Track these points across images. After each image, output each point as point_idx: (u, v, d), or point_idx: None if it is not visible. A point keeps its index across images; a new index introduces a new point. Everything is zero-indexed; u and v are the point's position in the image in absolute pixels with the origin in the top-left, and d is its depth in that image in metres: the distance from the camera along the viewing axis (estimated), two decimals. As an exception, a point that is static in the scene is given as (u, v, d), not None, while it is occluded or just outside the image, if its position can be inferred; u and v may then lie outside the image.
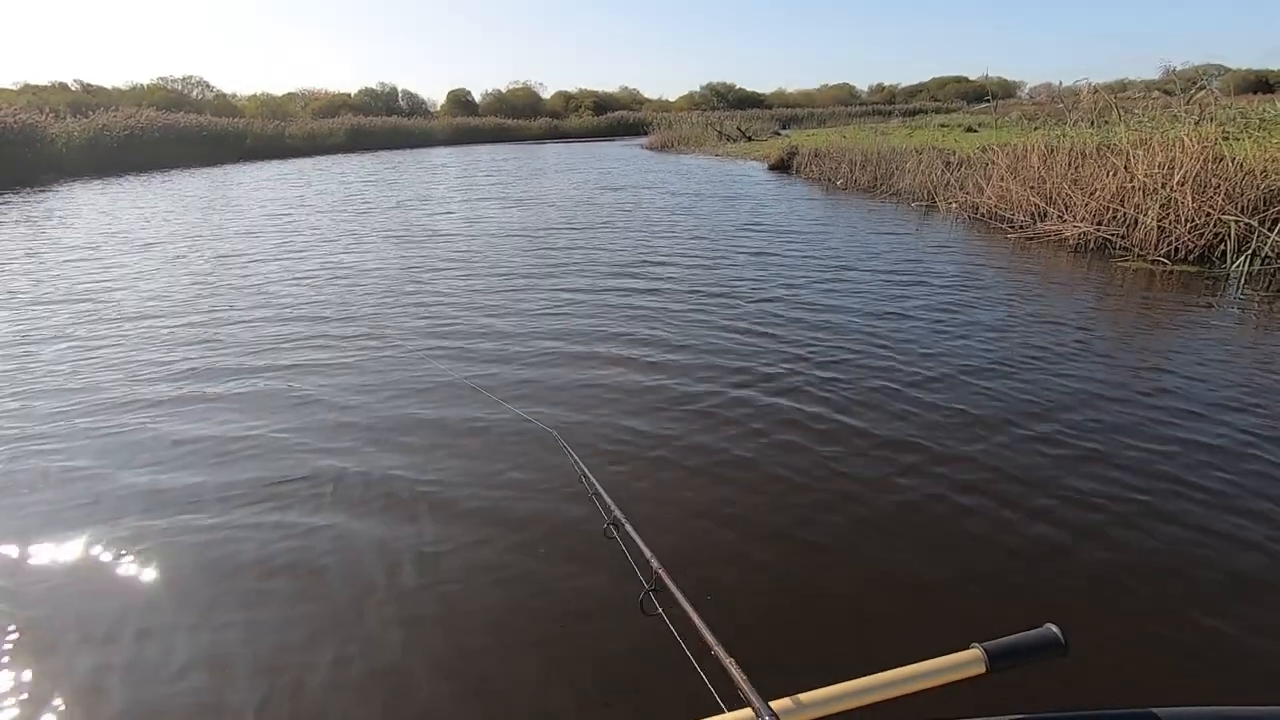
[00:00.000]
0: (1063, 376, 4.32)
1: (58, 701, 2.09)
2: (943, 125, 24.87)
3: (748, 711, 0.76)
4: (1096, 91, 10.96)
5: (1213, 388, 4.10)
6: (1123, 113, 8.60)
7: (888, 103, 66.37)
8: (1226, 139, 7.96)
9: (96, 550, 2.80)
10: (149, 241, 10.38)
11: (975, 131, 20.88)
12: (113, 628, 2.37)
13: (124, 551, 2.78)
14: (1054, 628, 0.87)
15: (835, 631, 2.32)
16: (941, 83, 78.56)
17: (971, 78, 75.65)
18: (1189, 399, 3.95)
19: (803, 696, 0.78)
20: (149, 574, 2.66)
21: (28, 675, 2.18)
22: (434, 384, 4.46)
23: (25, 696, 2.11)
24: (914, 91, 79.17)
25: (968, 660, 0.83)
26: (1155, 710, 0.79)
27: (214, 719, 2.03)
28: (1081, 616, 2.32)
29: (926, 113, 42.23)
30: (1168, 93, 9.08)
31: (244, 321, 5.97)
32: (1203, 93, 8.40)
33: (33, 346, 5.39)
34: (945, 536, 2.78)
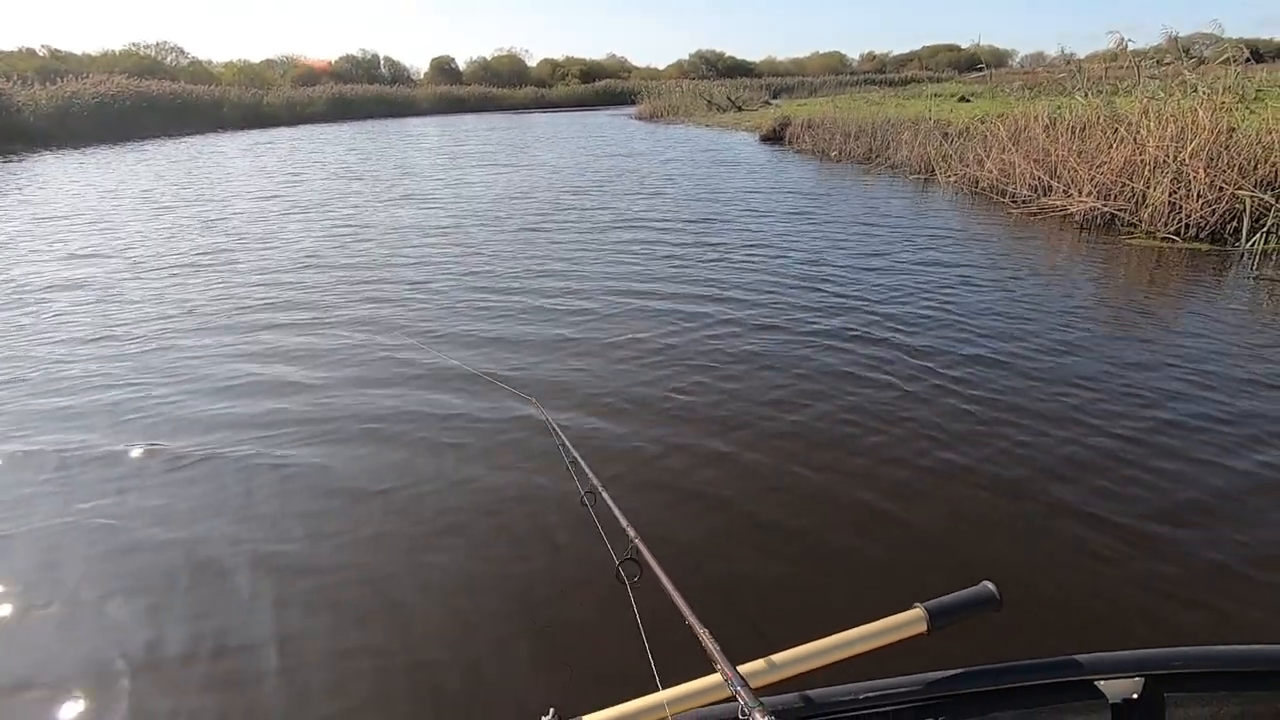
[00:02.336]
0: (1055, 353, 4.23)
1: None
2: (935, 95, 24.44)
3: (717, 677, 0.79)
4: (1106, 59, 10.58)
5: (1215, 368, 3.95)
6: (1139, 78, 8.24)
7: (879, 72, 65.50)
8: (1231, 110, 7.65)
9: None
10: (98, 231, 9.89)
11: (969, 101, 20.49)
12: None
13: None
14: (989, 584, 0.91)
15: (803, 594, 2.34)
16: (933, 51, 77.52)
17: (963, 46, 74.75)
18: (1190, 380, 3.81)
19: (775, 657, 0.83)
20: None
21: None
22: (413, 357, 4.37)
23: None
24: (905, 60, 78.11)
25: (911, 619, 0.87)
26: (1078, 656, 0.88)
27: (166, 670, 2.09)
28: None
29: (919, 82, 41.60)
30: (1160, 62, 8.70)
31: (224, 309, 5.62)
32: (1228, 58, 8.02)
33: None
34: (933, 493, 2.83)
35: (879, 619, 0.88)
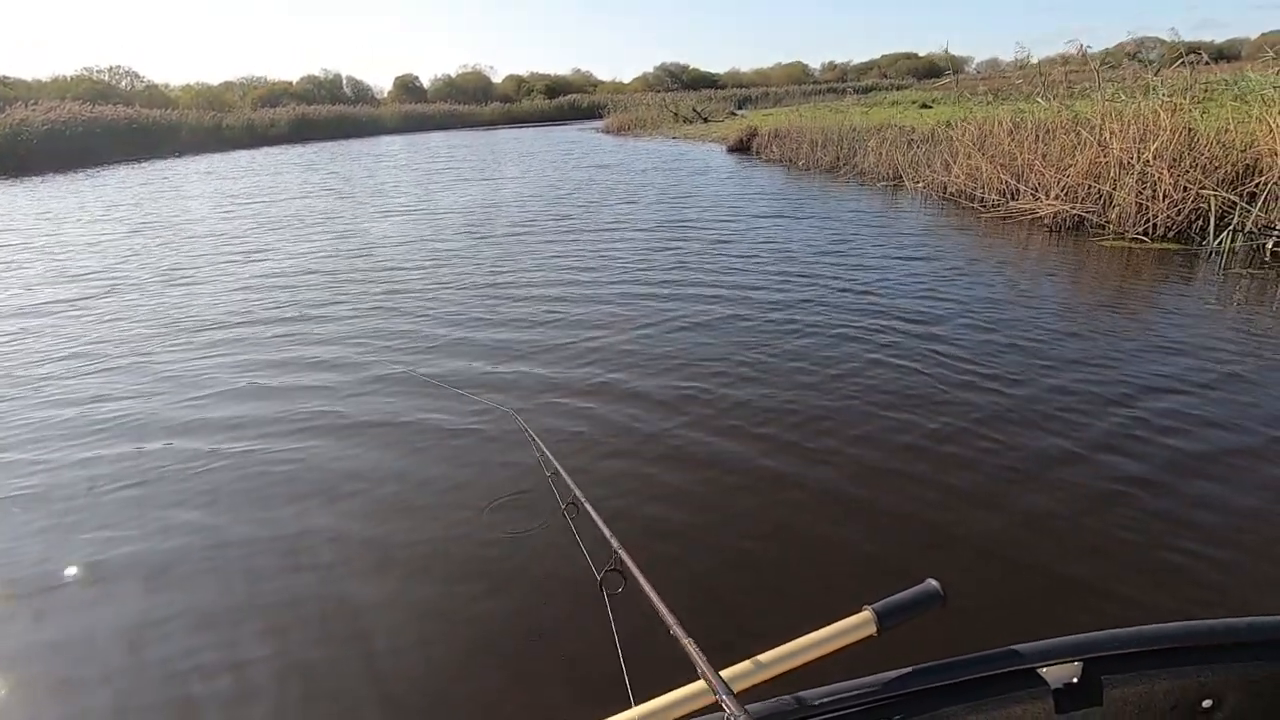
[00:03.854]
0: (1023, 351, 4.31)
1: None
2: (895, 102, 24.81)
3: (701, 684, 0.81)
4: (1063, 63, 10.76)
5: (1180, 364, 4.01)
6: (1099, 82, 8.36)
7: (840, 80, 66.46)
8: (1189, 111, 7.78)
9: None
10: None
11: (929, 108, 20.81)
12: None
13: None
14: (933, 581, 0.92)
15: (785, 600, 2.35)
16: (892, 59, 78.98)
17: (920, 53, 76.32)
18: (1156, 374, 3.89)
19: (757, 657, 0.87)
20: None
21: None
22: (390, 372, 4.37)
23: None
24: (865, 69, 79.48)
25: (860, 622, 0.89)
26: (1018, 647, 0.91)
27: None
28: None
29: (880, 89, 42.23)
30: (1113, 66, 8.86)
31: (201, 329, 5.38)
32: (1185, 62, 8.19)
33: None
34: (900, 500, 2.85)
35: (828, 624, 0.90)
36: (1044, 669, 0.94)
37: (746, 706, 0.81)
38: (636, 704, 0.83)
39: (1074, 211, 7.59)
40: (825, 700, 0.88)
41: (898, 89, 40.52)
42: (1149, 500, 2.74)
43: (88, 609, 2.43)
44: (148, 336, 5.39)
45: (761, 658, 0.88)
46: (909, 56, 77.88)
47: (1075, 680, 0.94)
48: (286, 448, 3.47)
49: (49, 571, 2.63)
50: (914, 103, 23.28)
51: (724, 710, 0.76)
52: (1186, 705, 0.95)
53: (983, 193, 9.02)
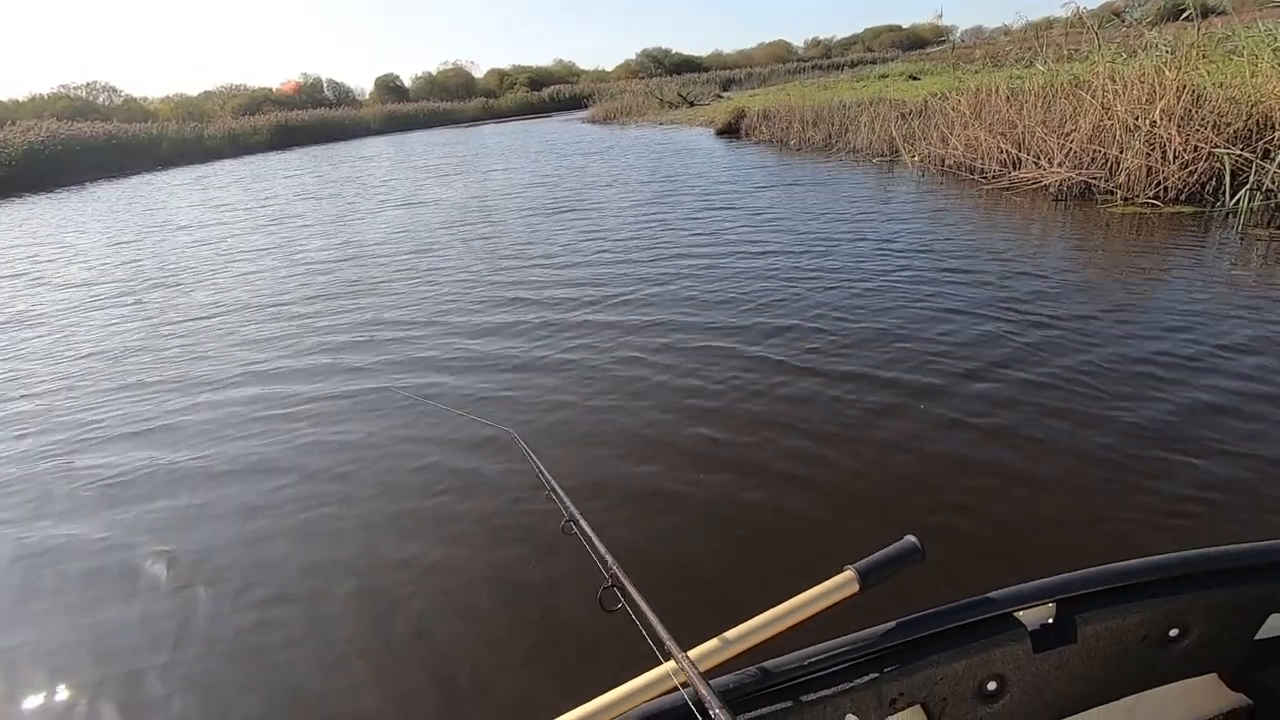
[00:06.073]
0: (1031, 322, 4.19)
1: None
2: (883, 75, 24.37)
3: (671, 664, 0.84)
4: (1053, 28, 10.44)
5: (1198, 335, 3.81)
6: (1098, 43, 8.02)
7: (824, 57, 65.89)
8: (1195, 67, 7.47)
9: None
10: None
11: (918, 79, 20.41)
12: None
13: None
14: (912, 538, 0.97)
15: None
16: (875, 33, 78.29)
17: (904, 25, 75.64)
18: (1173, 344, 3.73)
19: (726, 635, 0.89)
20: None
21: None
22: (387, 390, 4.20)
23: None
24: (849, 43, 78.84)
25: (843, 582, 0.93)
26: (994, 593, 0.98)
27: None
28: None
29: (866, 64, 41.70)
30: (1103, 26, 8.55)
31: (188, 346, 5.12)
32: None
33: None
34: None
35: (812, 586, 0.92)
36: (1020, 612, 0.98)
37: (727, 676, 0.89)
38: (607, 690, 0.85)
39: (1080, 178, 7.30)
40: (812, 660, 0.92)
41: (884, 62, 39.99)
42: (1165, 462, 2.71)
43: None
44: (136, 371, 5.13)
45: (742, 627, 0.90)
46: (892, 29, 77.23)
47: (1050, 621, 1.00)
48: (274, 470, 3.37)
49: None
50: (902, 74, 22.86)
51: (692, 687, 0.78)
52: (1155, 635, 1.02)
53: (983, 164, 8.72)
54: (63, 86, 46.09)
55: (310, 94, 57.05)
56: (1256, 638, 1.08)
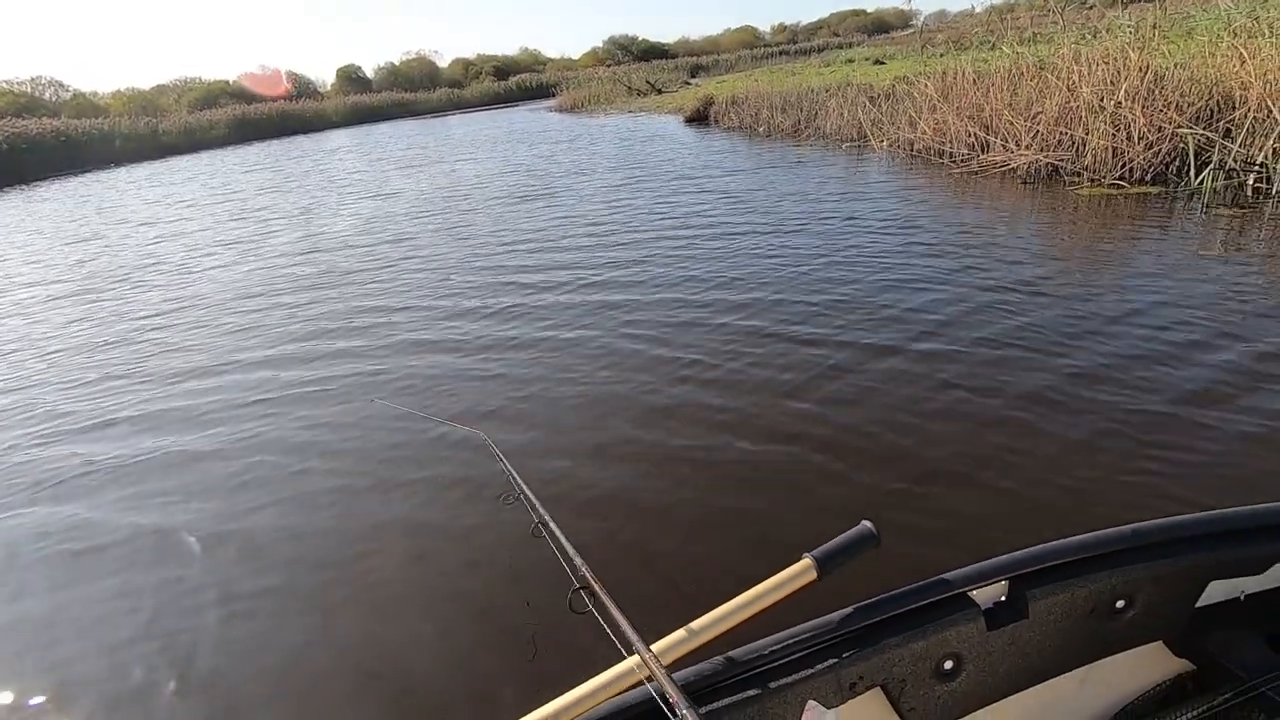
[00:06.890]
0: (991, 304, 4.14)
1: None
2: (849, 60, 24.43)
3: (635, 659, 0.85)
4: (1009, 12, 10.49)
5: (1166, 312, 3.87)
6: (1063, 25, 8.09)
7: (791, 42, 65.95)
8: (1157, 47, 7.56)
9: None
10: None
11: (883, 64, 20.49)
12: None
13: None
14: (867, 523, 0.98)
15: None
16: (840, 17, 78.71)
17: (869, 10, 76.03)
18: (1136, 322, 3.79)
19: (690, 627, 0.90)
20: None
21: None
22: (358, 397, 4.04)
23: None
24: (815, 28, 79.07)
25: (801, 570, 0.94)
26: (948, 575, 0.99)
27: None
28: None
29: (831, 49, 41.75)
30: (1066, 7, 8.62)
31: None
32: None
33: None
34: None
35: (771, 576, 0.93)
36: (974, 591, 0.99)
37: (691, 669, 0.88)
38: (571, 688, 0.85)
39: (1047, 160, 7.36)
40: (773, 649, 0.92)
41: (849, 46, 40.08)
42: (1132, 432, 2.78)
43: None
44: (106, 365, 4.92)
45: (705, 618, 0.90)
46: (857, 14, 77.63)
47: (1003, 599, 1.02)
48: (246, 481, 3.26)
49: None
50: (867, 59, 22.92)
51: (656, 681, 0.79)
52: (1103, 607, 1.04)
53: (951, 147, 8.76)
54: (5, 82, 44.45)
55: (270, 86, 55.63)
56: (1198, 605, 1.11)
